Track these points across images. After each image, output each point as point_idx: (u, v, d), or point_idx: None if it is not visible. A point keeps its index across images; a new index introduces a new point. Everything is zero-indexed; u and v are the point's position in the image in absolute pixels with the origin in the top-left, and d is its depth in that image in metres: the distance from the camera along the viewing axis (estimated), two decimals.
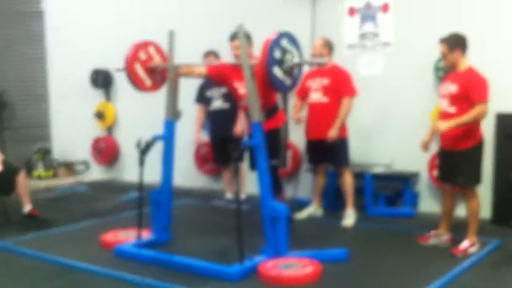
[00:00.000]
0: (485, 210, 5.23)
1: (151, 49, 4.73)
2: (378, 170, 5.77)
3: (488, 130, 5.22)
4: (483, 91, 4.13)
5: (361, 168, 5.82)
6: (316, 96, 5.23)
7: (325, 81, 5.17)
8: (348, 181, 5.27)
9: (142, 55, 4.65)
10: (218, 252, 4.27)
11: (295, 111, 5.45)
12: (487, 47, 5.26)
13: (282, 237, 3.99)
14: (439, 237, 4.50)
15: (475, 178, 4.32)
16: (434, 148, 4.90)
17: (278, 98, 4.75)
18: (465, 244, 4.30)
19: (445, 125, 4.09)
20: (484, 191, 5.23)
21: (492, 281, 3.73)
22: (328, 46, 5.25)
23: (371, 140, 6.04)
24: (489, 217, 5.22)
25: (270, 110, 4.58)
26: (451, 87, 4.22)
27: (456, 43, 4.22)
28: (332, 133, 5.08)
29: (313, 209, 5.49)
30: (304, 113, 5.42)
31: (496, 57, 5.22)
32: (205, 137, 6.40)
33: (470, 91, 4.12)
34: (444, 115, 4.29)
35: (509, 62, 5.20)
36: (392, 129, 5.89)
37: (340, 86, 5.15)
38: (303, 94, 5.35)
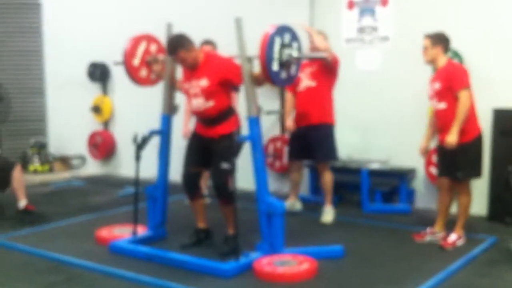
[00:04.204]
0: (481, 207, 5.23)
1: (150, 43, 4.70)
2: (375, 166, 5.76)
3: (484, 126, 5.20)
4: (463, 78, 4.26)
5: (358, 164, 5.81)
6: (304, 83, 5.16)
7: (313, 68, 5.13)
8: (328, 179, 5.25)
9: (141, 48, 4.63)
10: (214, 249, 4.25)
11: (288, 106, 5.38)
12: (484, 43, 5.26)
13: (278, 233, 3.97)
14: (435, 234, 4.49)
15: (475, 172, 4.40)
16: (431, 144, 4.89)
17: (234, 101, 4.35)
18: (453, 237, 4.38)
19: (452, 137, 4.17)
20: (480, 188, 5.23)
21: (488, 278, 3.73)
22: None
23: (368, 135, 6.03)
24: (485, 214, 5.22)
25: (224, 114, 4.20)
26: (435, 85, 4.34)
27: (439, 39, 4.35)
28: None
29: (290, 204, 5.42)
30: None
31: (493, 53, 5.22)
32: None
33: (451, 81, 4.23)
34: (438, 114, 4.39)
35: (505, 58, 5.18)
36: (390, 124, 5.87)
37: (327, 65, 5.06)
38: (295, 86, 5.22)
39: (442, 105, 4.30)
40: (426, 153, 4.67)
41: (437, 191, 4.67)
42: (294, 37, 4.09)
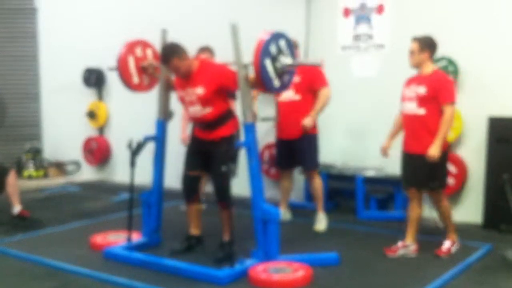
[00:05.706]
0: (476, 214, 5.24)
1: (144, 48, 4.70)
2: (370, 173, 5.76)
3: (480, 133, 5.24)
4: (450, 92, 4.22)
5: (353, 171, 5.81)
6: (287, 94, 5.08)
7: (296, 79, 4.91)
8: (318, 185, 5.25)
9: (134, 54, 4.63)
10: (208, 255, 4.23)
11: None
12: (480, 51, 5.27)
13: (274, 240, 3.96)
14: (407, 248, 4.38)
15: (445, 182, 4.42)
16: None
17: (231, 105, 4.39)
18: (447, 244, 4.37)
19: (435, 151, 4.10)
20: (476, 196, 5.25)
21: (483, 285, 3.73)
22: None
23: (363, 142, 6.03)
24: (480, 221, 5.22)
25: (222, 117, 4.20)
26: (420, 89, 4.25)
27: (427, 45, 4.27)
28: (307, 122, 5.06)
29: (281, 213, 5.38)
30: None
31: (488, 61, 5.23)
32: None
33: (438, 92, 4.18)
34: (412, 118, 4.30)
35: (501, 66, 5.19)
36: (385, 132, 5.85)
37: (313, 81, 5.08)
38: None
39: (422, 111, 4.23)
40: (387, 153, 4.64)
41: (409, 201, 4.45)
42: (289, 44, 4.07)
